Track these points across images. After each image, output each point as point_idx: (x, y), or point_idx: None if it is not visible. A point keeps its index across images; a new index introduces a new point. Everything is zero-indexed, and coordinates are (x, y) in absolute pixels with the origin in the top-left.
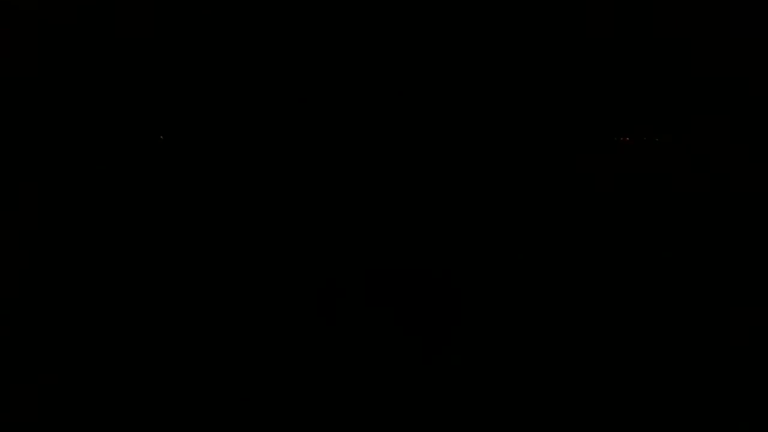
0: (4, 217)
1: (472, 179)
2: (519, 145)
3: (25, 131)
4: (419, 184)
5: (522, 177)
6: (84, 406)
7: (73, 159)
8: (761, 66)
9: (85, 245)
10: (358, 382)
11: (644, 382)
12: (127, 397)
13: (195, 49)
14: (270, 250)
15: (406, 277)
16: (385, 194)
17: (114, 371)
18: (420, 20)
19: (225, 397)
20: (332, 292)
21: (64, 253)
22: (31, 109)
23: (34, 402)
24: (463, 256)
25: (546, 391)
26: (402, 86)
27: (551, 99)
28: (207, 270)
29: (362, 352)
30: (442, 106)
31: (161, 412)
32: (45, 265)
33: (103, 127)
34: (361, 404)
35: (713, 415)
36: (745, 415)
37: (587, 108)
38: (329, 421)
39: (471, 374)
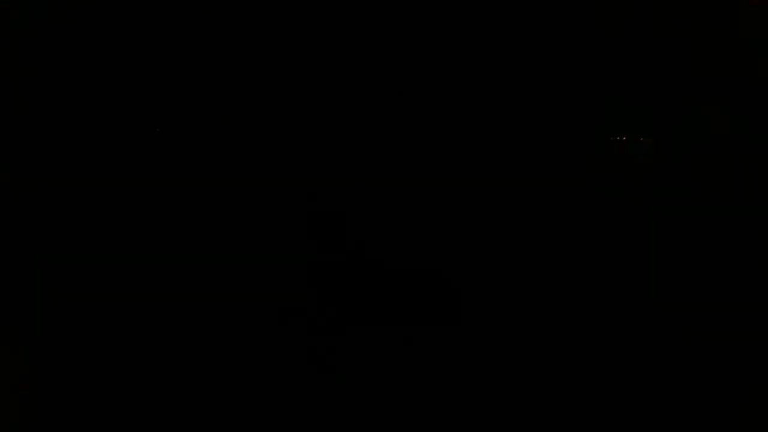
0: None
1: (463, 178)
2: (513, 144)
3: (21, 125)
4: (408, 182)
5: (516, 175)
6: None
7: (69, 151)
8: (761, 65)
9: (81, 240)
10: (356, 381)
11: (634, 385)
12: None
13: (191, 43)
14: (266, 245)
15: (397, 276)
16: (378, 194)
17: (111, 370)
18: (409, 20)
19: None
20: (329, 289)
21: (62, 246)
22: (26, 104)
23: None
24: (453, 255)
25: (534, 390)
26: (393, 85)
27: (545, 97)
28: (203, 265)
29: (360, 350)
30: (432, 105)
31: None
32: (42, 261)
33: (99, 119)
34: (359, 403)
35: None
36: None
37: (582, 106)
38: (329, 420)
39: (465, 373)
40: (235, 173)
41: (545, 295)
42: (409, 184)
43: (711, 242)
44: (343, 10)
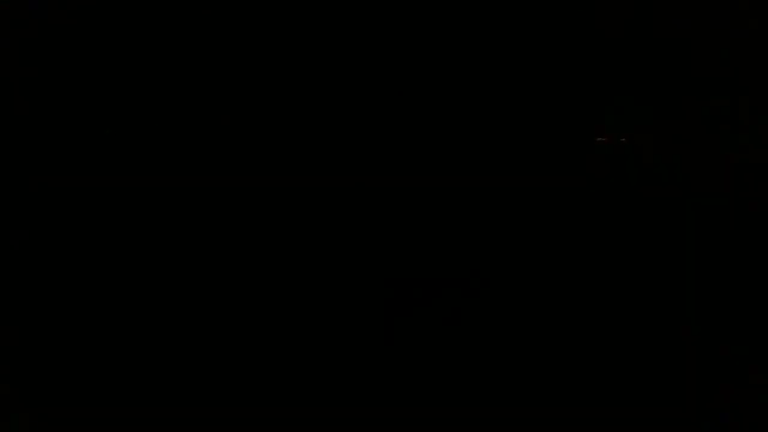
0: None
1: (462, 179)
2: (512, 144)
3: (21, 125)
4: (406, 183)
5: (515, 175)
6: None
7: (69, 151)
8: (749, 66)
9: (76, 244)
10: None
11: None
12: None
13: (191, 43)
14: (264, 252)
15: (395, 277)
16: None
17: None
18: (407, 19)
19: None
20: (330, 294)
21: (56, 252)
22: (26, 104)
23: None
24: (452, 255)
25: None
26: (391, 85)
27: (544, 97)
28: (198, 271)
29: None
30: (430, 105)
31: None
32: (37, 264)
33: (99, 119)
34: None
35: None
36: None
37: (582, 106)
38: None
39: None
40: (235, 173)
41: (545, 296)
42: (407, 185)
43: (711, 242)
44: (341, 9)
